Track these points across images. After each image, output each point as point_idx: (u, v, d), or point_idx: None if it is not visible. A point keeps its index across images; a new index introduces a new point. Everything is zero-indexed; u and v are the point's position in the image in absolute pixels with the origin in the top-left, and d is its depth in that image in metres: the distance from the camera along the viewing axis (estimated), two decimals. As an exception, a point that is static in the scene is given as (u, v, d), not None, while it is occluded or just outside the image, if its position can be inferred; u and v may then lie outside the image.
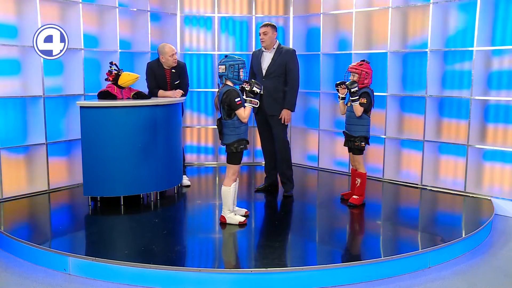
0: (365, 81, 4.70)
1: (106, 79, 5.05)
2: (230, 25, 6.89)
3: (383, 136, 5.93)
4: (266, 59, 5.13)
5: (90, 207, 4.86)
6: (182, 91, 5.40)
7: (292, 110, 5.14)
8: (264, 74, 5.10)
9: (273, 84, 5.04)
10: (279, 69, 5.06)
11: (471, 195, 5.29)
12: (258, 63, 5.17)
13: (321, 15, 6.42)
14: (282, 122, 5.12)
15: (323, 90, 6.53)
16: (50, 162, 5.39)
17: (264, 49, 5.16)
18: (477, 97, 5.24)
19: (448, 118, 5.65)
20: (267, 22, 5.15)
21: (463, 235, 4.08)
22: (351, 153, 4.94)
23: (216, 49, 6.77)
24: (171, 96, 5.28)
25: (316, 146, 6.70)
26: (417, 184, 5.70)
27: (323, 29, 6.42)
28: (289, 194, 5.24)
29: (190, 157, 6.94)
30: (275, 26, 5.15)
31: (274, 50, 5.11)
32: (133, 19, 6.33)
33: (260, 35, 5.09)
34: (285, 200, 5.17)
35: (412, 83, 5.87)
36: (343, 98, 4.89)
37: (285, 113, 5.09)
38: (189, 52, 6.83)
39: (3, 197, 5.03)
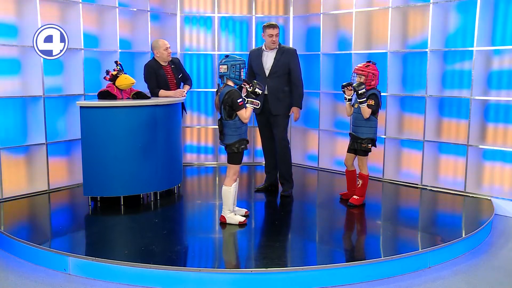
0: (372, 83, 4.67)
1: (104, 77, 5.05)
2: (230, 25, 6.89)
3: (383, 136, 5.92)
4: (269, 59, 5.11)
5: (90, 207, 4.86)
6: (183, 90, 5.42)
7: (301, 108, 5.21)
8: (267, 74, 5.10)
9: (277, 84, 5.05)
10: (282, 69, 5.07)
11: (471, 195, 5.29)
12: (260, 63, 5.15)
13: (321, 15, 6.42)
14: (294, 120, 5.25)
15: (323, 90, 6.53)
16: (50, 162, 5.39)
17: (264, 49, 5.15)
18: (477, 97, 5.24)
19: (448, 118, 5.64)
20: (274, 23, 5.09)
21: (463, 235, 4.08)
22: (349, 153, 4.93)
23: (216, 49, 6.77)
24: (173, 96, 5.29)
25: (316, 146, 6.70)
26: (417, 184, 5.70)
27: (323, 29, 6.42)
28: (287, 194, 5.22)
29: (190, 157, 6.94)
30: None
31: (276, 50, 5.11)
32: (133, 19, 6.33)
33: (272, 36, 5.00)
34: (285, 200, 5.16)
35: (412, 83, 5.87)
36: (349, 100, 4.87)
37: (295, 111, 5.15)
38: (189, 52, 6.82)
39: (3, 197, 5.03)
